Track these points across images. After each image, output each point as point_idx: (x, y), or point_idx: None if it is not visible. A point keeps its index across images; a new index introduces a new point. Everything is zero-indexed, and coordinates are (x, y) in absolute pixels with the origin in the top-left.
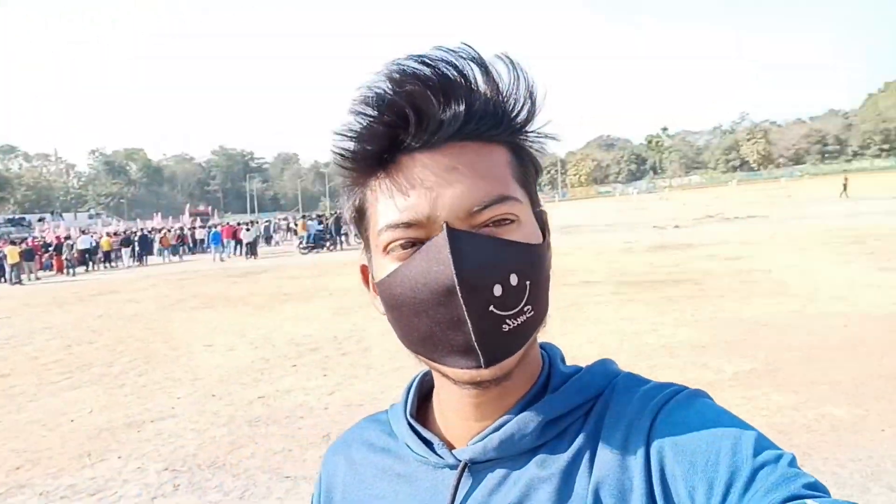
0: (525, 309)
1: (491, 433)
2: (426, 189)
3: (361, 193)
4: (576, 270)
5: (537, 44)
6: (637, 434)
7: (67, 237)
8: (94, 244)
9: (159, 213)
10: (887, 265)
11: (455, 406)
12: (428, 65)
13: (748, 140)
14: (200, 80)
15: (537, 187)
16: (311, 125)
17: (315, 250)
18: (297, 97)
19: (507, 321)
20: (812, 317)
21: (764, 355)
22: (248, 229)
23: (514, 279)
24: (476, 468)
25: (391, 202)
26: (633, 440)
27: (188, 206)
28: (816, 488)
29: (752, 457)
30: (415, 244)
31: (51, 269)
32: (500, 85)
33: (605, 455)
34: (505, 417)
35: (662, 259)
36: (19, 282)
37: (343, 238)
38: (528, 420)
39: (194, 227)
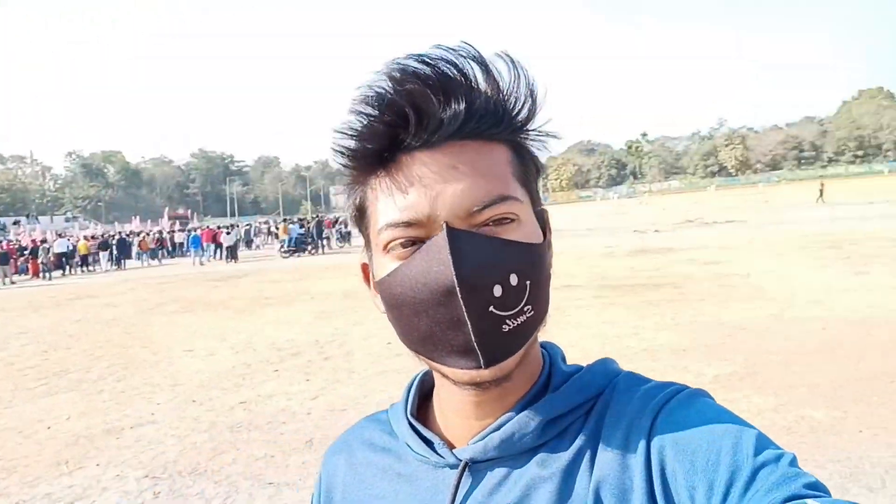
0: (525, 309)
1: (491, 432)
2: (426, 188)
3: (362, 192)
4: (557, 275)
5: (525, 45)
6: (638, 433)
7: (44, 240)
8: (70, 248)
9: (138, 217)
10: (863, 269)
11: (455, 405)
12: (428, 63)
13: (726, 146)
14: (180, 82)
15: (538, 186)
16: (292, 128)
17: (296, 254)
18: (277, 99)
19: (507, 321)
20: (790, 321)
21: (743, 358)
22: (228, 233)
23: (514, 279)
24: (476, 467)
25: (391, 201)
26: (633, 439)
27: (167, 209)
28: (817, 488)
29: (753, 456)
30: (415, 243)
31: (26, 273)
32: (500, 83)
33: (606, 454)
34: (505, 417)
35: (643, 263)
36: None
37: (324, 242)
38: (528, 419)
39: (173, 231)
